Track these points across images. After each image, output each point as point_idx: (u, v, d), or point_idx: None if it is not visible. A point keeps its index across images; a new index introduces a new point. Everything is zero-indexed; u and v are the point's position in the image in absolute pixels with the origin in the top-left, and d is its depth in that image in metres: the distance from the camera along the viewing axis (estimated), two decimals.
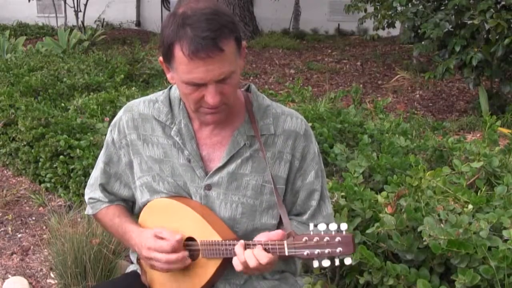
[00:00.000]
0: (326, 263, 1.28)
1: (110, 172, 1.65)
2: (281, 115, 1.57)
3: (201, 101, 1.41)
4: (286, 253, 1.33)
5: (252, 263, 1.34)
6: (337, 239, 1.26)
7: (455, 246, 1.88)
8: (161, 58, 1.45)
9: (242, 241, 1.39)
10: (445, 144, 3.12)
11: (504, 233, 1.96)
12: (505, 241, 1.94)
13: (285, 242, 1.34)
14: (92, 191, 1.70)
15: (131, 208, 1.72)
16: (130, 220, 1.64)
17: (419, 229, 2.02)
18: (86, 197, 1.72)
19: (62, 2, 10.92)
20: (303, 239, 1.30)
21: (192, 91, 1.39)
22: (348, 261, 1.27)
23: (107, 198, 1.67)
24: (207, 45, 1.31)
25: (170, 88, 1.60)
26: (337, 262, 1.28)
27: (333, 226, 1.28)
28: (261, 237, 1.40)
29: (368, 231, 2.12)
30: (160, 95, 1.60)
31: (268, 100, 1.60)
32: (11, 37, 9.41)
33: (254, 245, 1.38)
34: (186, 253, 1.47)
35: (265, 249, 1.37)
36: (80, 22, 10.48)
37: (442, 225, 2.01)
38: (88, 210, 1.73)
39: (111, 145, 1.63)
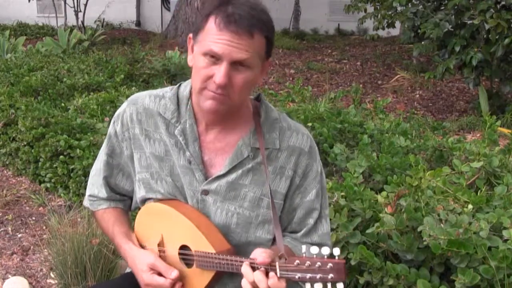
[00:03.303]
0: (318, 286, 1.28)
1: (113, 163, 1.63)
2: (287, 130, 1.54)
3: (209, 80, 1.39)
4: (278, 275, 1.31)
5: (262, 286, 1.32)
6: (329, 265, 1.24)
7: (455, 246, 1.88)
8: (190, 35, 1.47)
9: (247, 262, 1.36)
10: (445, 144, 3.12)
11: (504, 233, 1.97)
12: (505, 241, 1.94)
13: (277, 263, 1.32)
14: (93, 184, 1.69)
15: (130, 206, 1.71)
16: (125, 230, 1.62)
17: (419, 229, 2.02)
18: (87, 193, 1.71)
19: (62, 2, 10.93)
20: (295, 262, 1.28)
21: (206, 65, 1.38)
22: (340, 286, 1.26)
23: (107, 194, 1.65)
24: (241, 23, 1.34)
25: (179, 85, 1.58)
26: (329, 286, 1.27)
27: (325, 250, 1.26)
28: (257, 253, 1.37)
29: (368, 231, 2.12)
30: (167, 91, 1.57)
31: (277, 112, 1.58)
32: (11, 37, 9.41)
33: (258, 267, 1.34)
34: (180, 284, 1.49)
35: (253, 268, 1.35)
36: (80, 22, 10.48)
37: (442, 225, 2.01)
38: (86, 203, 1.72)
39: (113, 137, 1.61)
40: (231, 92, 1.40)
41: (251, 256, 1.36)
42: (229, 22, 1.34)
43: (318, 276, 1.26)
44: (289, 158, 1.52)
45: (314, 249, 1.27)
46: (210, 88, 1.39)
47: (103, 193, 1.66)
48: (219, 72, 1.36)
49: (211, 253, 1.43)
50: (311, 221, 1.57)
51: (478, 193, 2.39)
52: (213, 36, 1.36)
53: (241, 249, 1.50)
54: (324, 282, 1.26)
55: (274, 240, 1.54)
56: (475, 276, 1.84)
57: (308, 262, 1.27)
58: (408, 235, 2.05)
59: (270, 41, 1.42)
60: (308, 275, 1.26)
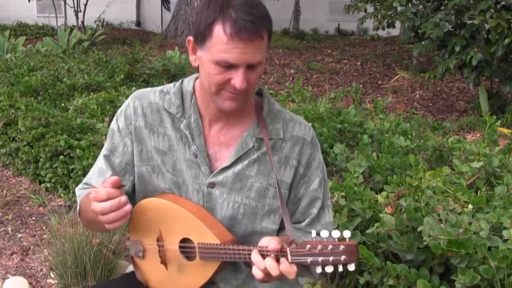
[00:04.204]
0: (329, 269, 1.28)
1: (115, 162, 1.60)
2: (290, 121, 1.57)
3: (225, 84, 1.40)
4: (289, 260, 1.32)
5: (274, 272, 1.32)
6: (341, 247, 1.26)
7: (455, 246, 1.88)
8: (190, 38, 1.46)
9: (256, 250, 1.36)
10: (445, 144, 3.12)
11: (504, 233, 1.97)
12: (505, 241, 1.94)
13: (288, 249, 1.33)
14: (90, 178, 1.63)
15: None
16: None
17: (419, 229, 2.02)
18: (79, 186, 1.63)
19: (62, 2, 10.93)
20: (307, 247, 1.29)
21: (219, 72, 1.39)
22: (351, 267, 1.27)
23: None
24: (251, 28, 1.35)
25: (182, 81, 1.59)
26: (340, 268, 1.28)
27: (336, 233, 1.27)
28: (266, 241, 1.37)
29: (368, 231, 2.12)
30: (171, 87, 1.58)
31: (279, 105, 1.60)
32: (11, 37, 9.41)
33: (267, 254, 1.35)
34: (122, 197, 1.34)
35: (262, 256, 1.35)
36: (80, 22, 10.48)
37: (442, 225, 2.01)
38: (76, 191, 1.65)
39: (116, 133, 1.59)
40: (248, 89, 1.42)
41: (259, 245, 1.37)
42: (240, 30, 1.33)
43: (330, 258, 1.27)
44: (293, 148, 1.55)
45: (324, 233, 1.28)
46: (228, 90, 1.41)
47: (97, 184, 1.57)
48: (238, 77, 1.38)
49: (216, 244, 1.44)
50: (314, 210, 1.59)
51: (478, 193, 2.39)
52: (225, 46, 1.35)
53: (247, 240, 1.52)
54: (337, 264, 1.27)
55: (279, 230, 1.56)
56: (475, 276, 1.84)
57: (320, 246, 1.28)
58: (408, 235, 2.05)
59: (271, 30, 1.44)
60: (320, 259, 1.27)
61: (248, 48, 1.35)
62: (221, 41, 1.35)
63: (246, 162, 1.51)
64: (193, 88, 1.55)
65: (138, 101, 1.57)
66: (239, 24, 1.33)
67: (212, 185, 1.51)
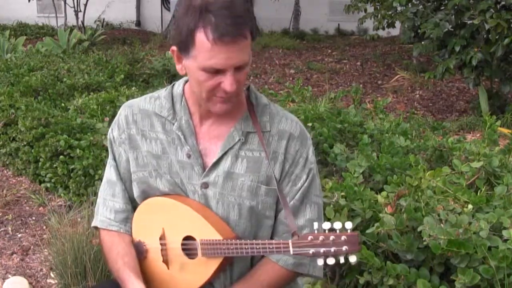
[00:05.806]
0: (331, 261, 1.29)
1: (120, 170, 1.64)
2: (276, 115, 1.57)
3: (216, 89, 1.42)
4: (291, 252, 1.34)
5: None
6: (343, 238, 1.28)
7: (455, 246, 1.88)
8: (173, 48, 1.46)
9: (260, 246, 1.39)
10: (445, 144, 3.11)
11: (504, 233, 1.97)
12: (505, 241, 1.94)
13: (289, 241, 1.34)
14: (104, 200, 1.64)
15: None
16: (132, 266, 1.58)
17: (419, 229, 2.02)
18: (103, 216, 1.63)
19: (62, 2, 10.93)
20: (308, 238, 1.31)
21: (208, 78, 1.40)
22: (353, 258, 1.28)
23: (124, 202, 1.63)
24: (233, 30, 1.34)
25: (173, 85, 1.62)
26: (342, 260, 1.29)
27: (337, 225, 1.30)
28: None
29: (368, 231, 2.12)
30: (162, 92, 1.61)
31: (266, 99, 1.62)
32: (11, 37, 9.41)
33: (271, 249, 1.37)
34: None
35: (269, 248, 1.38)
36: (80, 22, 10.48)
37: (442, 225, 2.01)
38: (96, 222, 1.67)
39: (113, 143, 1.64)
40: (238, 89, 1.44)
41: None
42: (222, 34, 1.33)
43: (332, 249, 1.29)
44: (280, 142, 1.55)
45: (326, 225, 1.30)
46: (219, 95, 1.43)
47: (119, 203, 1.63)
48: (227, 81, 1.39)
49: (219, 240, 1.45)
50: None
51: (478, 193, 2.39)
52: (209, 53, 1.36)
53: (247, 239, 1.52)
54: (339, 254, 1.29)
55: (274, 223, 1.57)
56: (475, 276, 1.84)
57: (321, 237, 1.30)
58: (408, 235, 2.05)
59: (253, 25, 1.43)
60: (322, 249, 1.29)
61: (233, 51, 1.36)
62: (205, 48, 1.36)
63: (234, 157, 1.52)
64: (183, 90, 1.57)
65: (128, 109, 1.61)
66: (220, 29, 1.33)
67: (205, 185, 1.52)
